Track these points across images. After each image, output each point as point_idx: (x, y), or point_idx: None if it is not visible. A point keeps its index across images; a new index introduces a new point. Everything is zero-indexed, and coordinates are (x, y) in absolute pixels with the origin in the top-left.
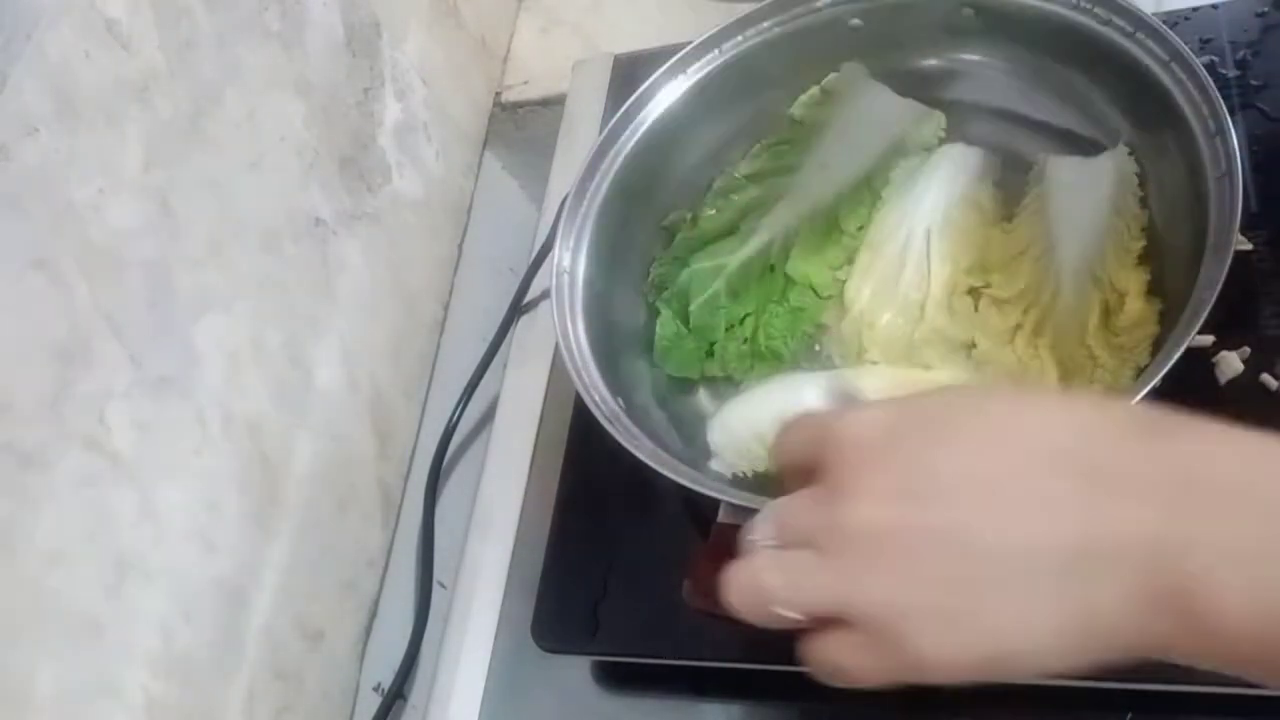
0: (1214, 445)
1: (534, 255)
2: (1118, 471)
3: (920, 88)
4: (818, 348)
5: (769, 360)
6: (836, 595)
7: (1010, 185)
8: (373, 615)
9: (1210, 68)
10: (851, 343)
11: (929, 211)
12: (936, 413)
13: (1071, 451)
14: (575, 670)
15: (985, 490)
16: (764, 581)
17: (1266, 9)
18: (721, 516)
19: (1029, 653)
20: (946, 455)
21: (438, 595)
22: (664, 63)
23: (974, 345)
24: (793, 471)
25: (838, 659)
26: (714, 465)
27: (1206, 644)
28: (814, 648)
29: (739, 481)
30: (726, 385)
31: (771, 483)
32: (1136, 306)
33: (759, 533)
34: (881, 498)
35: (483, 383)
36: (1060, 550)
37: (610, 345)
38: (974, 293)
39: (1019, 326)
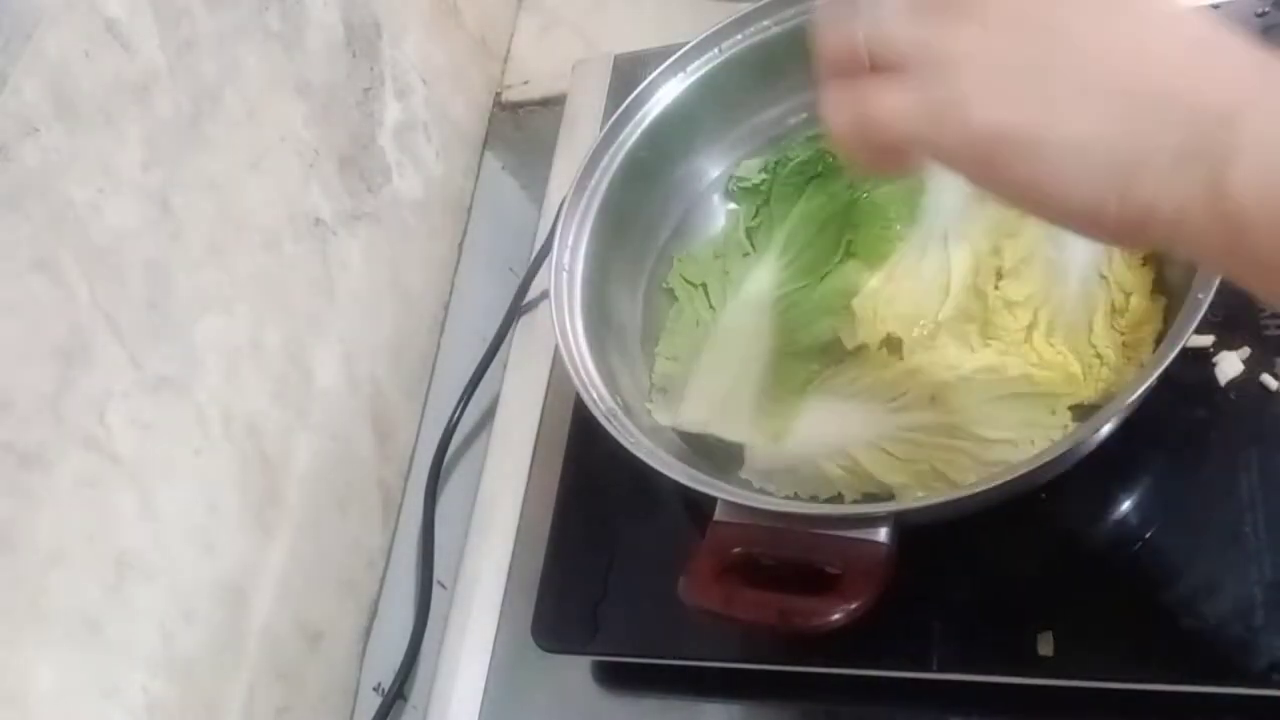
0: None
1: (534, 255)
2: (1220, 45)
3: None
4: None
5: None
6: (915, 35)
7: None
8: (373, 615)
9: None
10: (866, 316)
11: (947, 198)
12: None
13: (1184, 23)
14: (575, 670)
15: (1097, 23)
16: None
17: (1267, 9)
18: (719, 515)
19: (1061, 157)
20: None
21: (438, 595)
22: (664, 62)
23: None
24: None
25: (875, 96)
26: (743, 474)
27: (1221, 221)
28: (845, 92)
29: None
30: None
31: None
32: (1142, 304)
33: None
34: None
35: (483, 383)
36: (1142, 92)
37: (610, 345)
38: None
39: (1033, 325)
